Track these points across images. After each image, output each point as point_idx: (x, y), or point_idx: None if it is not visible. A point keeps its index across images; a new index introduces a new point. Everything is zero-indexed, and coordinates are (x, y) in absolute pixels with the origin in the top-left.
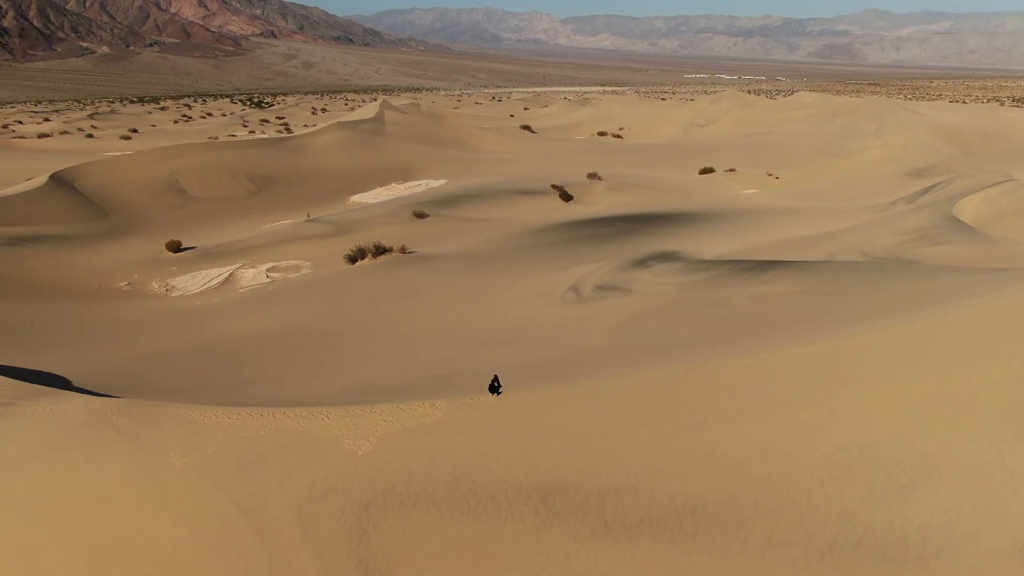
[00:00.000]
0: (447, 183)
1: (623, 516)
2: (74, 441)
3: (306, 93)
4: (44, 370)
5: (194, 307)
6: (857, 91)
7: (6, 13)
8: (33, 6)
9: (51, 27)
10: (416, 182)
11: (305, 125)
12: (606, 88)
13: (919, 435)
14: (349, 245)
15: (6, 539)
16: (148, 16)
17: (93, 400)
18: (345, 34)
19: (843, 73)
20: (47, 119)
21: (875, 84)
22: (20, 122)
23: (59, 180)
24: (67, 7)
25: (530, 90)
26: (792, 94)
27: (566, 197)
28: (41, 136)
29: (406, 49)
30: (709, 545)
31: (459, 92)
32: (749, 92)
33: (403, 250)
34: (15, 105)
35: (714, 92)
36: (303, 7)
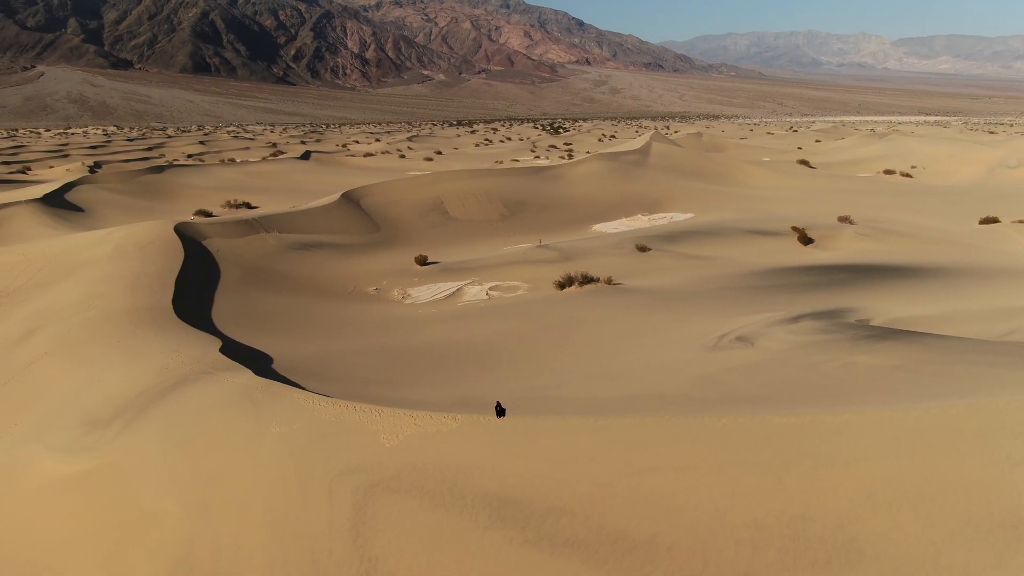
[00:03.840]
0: (693, 217)
1: (554, 533)
2: (225, 404)
3: (605, 119)
4: (264, 350)
5: (415, 314)
6: None
7: (369, 46)
8: (390, 40)
9: (401, 57)
10: (662, 215)
11: (587, 152)
12: (930, 118)
13: (857, 518)
14: (569, 271)
15: (162, 461)
16: (480, 47)
17: (255, 378)
18: (656, 60)
19: None
20: (377, 139)
21: None
22: (357, 141)
23: (348, 197)
24: (416, 40)
25: (836, 120)
26: None
27: (805, 240)
28: (366, 155)
29: (715, 75)
30: (614, 572)
31: (758, 120)
32: None
33: (609, 281)
34: (360, 126)
35: None
36: (618, 35)
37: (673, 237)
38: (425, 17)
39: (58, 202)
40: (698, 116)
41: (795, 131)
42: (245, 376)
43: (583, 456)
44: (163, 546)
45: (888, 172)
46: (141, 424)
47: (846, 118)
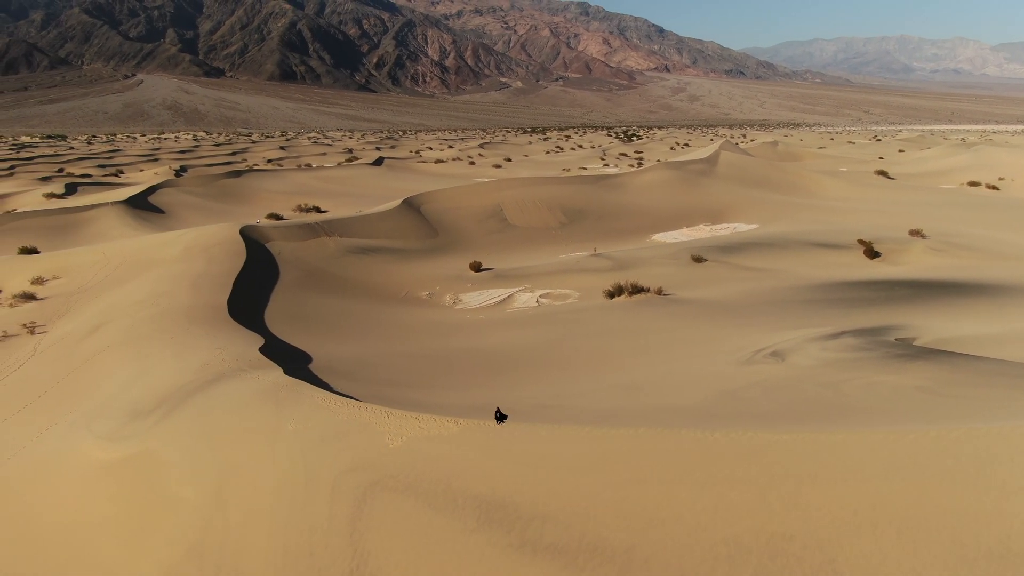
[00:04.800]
0: (757, 228)
1: (537, 539)
2: (250, 401)
3: (681, 127)
4: (306, 350)
5: (463, 320)
6: None
7: (449, 54)
8: (469, 48)
9: (480, 65)
10: (725, 225)
11: (658, 160)
12: None
13: (837, 539)
14: (621, 280)
15: (188, 452)
16: (558, 54)
17: (283, 377)
18: (737, 67)
19: None
20: (450, 146)
21: None
22: (430, 148)
23: (409, 204)
24: (495, 48)
25: (926, 128)
26: None
27: (871, 254)
28: (437, 161)
29: (799, 82)
30: None
31: (840, 129)
32: None
33: (659, 291)
34: (435, 132)
35: None
36: (699, 42)
37: (732, 248)
38: (505, 25)
39: (141, 204)
40: (778, 124)
41: (879, 140)
42: (275, 375)
43: (574, 465)
44: (180, 531)
45: (973, 184)
46: (175, 416)
47: (936, 127)
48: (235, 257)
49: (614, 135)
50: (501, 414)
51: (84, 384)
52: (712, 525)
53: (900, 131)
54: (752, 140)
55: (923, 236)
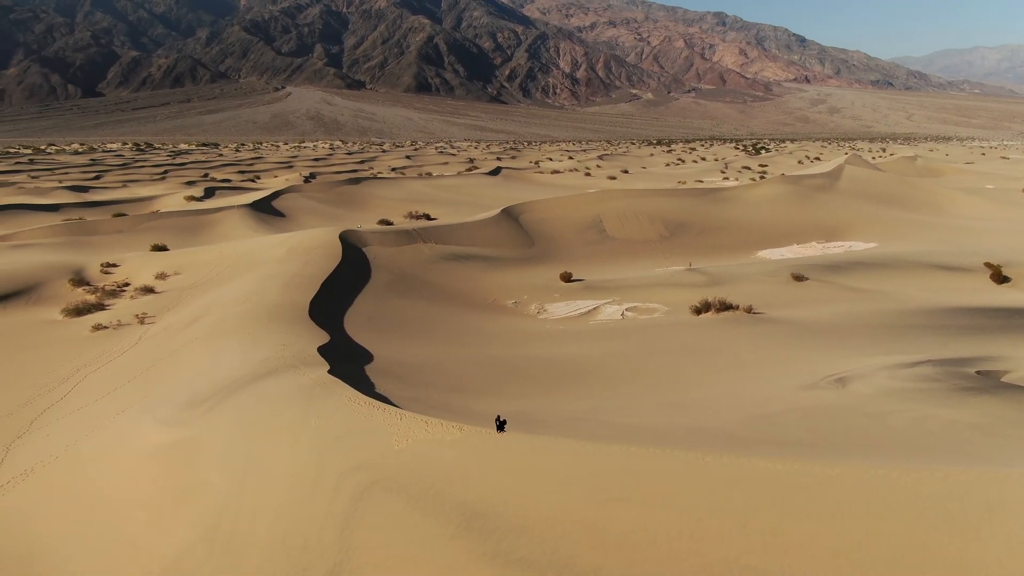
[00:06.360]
0: (874, 247)
1: (510, 550)
2: (287, 396)
3: (816, 140)
4: (372, 350)
5: (542, 329)
6: None
7: (580, 66)
8: (601, 60)
9: (611, 77)
10: (839, 243)
11: (782, 174)
12: None
13: None
14: (711, 297)
15: (225, 439)
16: (692, 65)
17: (325, 376)
18: (885, 77)
19: None
20: (570, 157)
21: None
22: (550, 159)
23: (508, 213)
24: (627, 60)
25: None
26: None
27: (999, 278)
28: (553, 172)
29: (955, 93)
30: None
31: (996, 143)
32: None
33: (749, 310)
34: (559, 143)
35: None
36: (843, 51)
37: (839, 267)
38: (638, 36)
39: (265, 208)
40: (925, 138)
41: None
42: (319, 373)
43: (560, 478)
44: (201, 515)
45: None
46: (224, 406)
47: None
48: (331, 260)
49: (741, 148)
50: (501, 423)
51: (166, 372)
52: (686, 552)
53: None
54: (891, 154)
55: None
